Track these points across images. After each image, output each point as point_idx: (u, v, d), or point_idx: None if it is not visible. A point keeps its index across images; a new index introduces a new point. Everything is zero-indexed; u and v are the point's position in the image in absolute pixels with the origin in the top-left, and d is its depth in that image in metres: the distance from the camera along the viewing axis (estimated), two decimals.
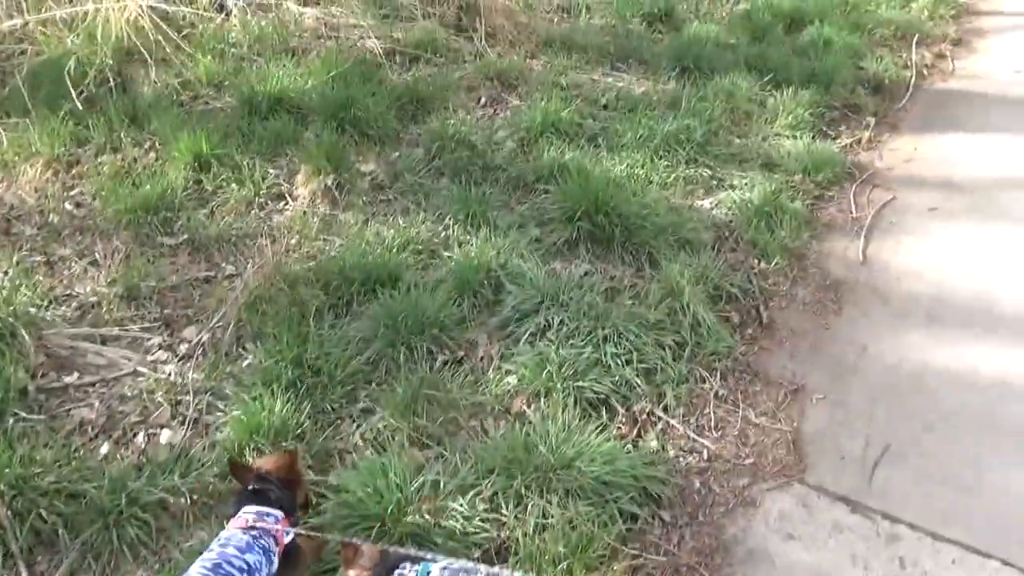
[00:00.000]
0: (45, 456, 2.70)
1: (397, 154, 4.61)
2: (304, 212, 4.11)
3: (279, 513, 2.20)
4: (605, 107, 5.12)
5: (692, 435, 3.02)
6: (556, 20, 6.54)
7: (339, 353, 3.15)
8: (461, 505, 2.58)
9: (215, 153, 4.32)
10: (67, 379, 3.11)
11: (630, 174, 4.33)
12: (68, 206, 4.18)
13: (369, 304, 3.44)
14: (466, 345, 3.33)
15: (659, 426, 3.05)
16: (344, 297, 3.48)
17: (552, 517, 2.55)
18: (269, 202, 4.24)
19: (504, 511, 2.59)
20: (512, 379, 3.14)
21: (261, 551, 2.08)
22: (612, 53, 5.83)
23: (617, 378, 3.09)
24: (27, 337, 3.08)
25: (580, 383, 3.03)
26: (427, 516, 2.54)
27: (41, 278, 3.64)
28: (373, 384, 3.13)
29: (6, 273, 3.64)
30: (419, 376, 3.07)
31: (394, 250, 3.76)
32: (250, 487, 2.25)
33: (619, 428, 2.98)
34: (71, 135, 4.51)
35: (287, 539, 2.19)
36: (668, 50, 5.73)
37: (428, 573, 1.97)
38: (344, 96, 4.71)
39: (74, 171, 4.42)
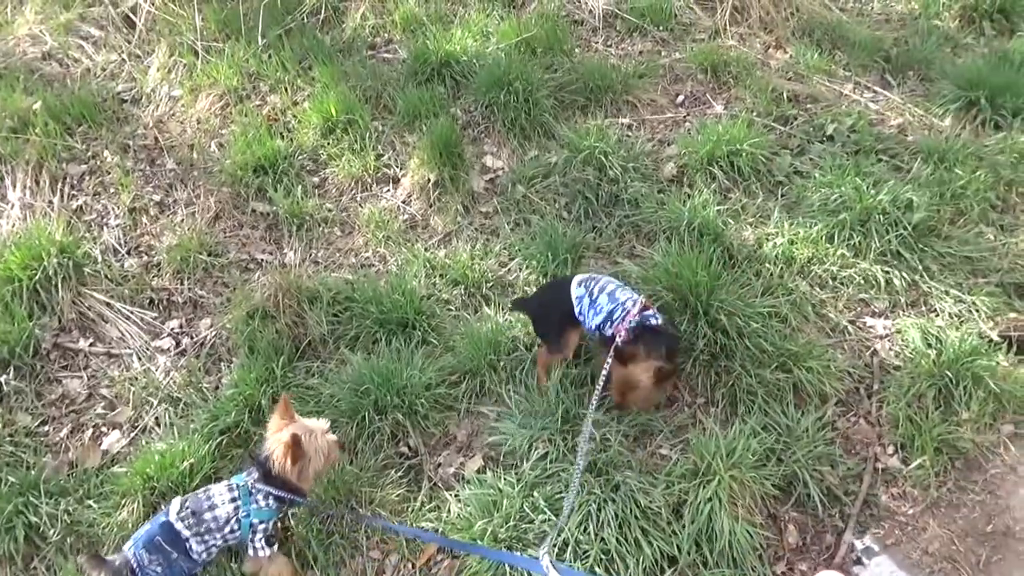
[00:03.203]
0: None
1: (534, 154, 3.92)
2: (396, 207, 3.71)
3: None
4: (830, 138, 3.82)
5: None
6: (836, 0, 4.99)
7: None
8: None
9: (346, 118, 4.03)
10: (82, 343, 3.17)
11: (784, 254, 3.17)
12: (213, 146, 4.20)
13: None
14: None
15: None
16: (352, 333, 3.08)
17: None
18: (375, 184, 3.88)
19: None
20: None
21: None
22: (887, 59, 4.31)
23: None
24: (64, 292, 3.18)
25: None
26: None
27: (145, 220, 3.74)
28: None
29: (115, 209, 3.78)
30: None
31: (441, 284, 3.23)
32: None
33: None
34: (255, 66, 4.43)
35: None
36: (967, 69, 4.04)
37: None
38: (505, 71, 4.03)
39: (240, 107, 4.40)
